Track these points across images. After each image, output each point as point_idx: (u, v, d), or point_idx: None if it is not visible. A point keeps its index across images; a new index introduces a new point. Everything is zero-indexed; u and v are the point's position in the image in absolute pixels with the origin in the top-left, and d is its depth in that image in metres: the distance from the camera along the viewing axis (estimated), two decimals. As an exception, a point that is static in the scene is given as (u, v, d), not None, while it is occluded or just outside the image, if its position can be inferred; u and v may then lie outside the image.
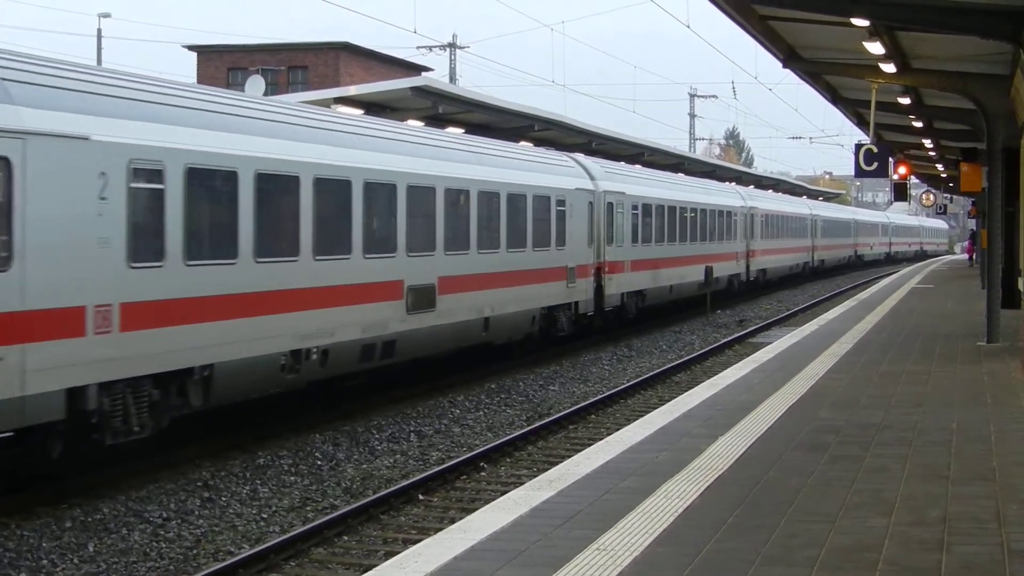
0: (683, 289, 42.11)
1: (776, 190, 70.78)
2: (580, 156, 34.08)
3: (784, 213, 62.62)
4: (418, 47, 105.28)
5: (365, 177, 21.00)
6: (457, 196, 24.45)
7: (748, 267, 53.10)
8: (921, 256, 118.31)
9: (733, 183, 55.83)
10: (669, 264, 39.55)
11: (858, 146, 24.52)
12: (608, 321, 34.05)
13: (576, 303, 30.97)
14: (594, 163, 34.34)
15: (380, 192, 21.63)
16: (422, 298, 22.62)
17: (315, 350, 19.21)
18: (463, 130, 30.35)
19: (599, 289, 32.65)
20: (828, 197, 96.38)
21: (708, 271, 45.43)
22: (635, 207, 35.98)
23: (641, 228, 36.53)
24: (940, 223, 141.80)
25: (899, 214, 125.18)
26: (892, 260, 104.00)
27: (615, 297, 33.92)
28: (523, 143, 34.36)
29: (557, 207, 29.75)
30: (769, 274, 57.68)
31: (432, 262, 23.25)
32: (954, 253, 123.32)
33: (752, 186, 63.49)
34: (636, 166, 41.82)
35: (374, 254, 21.16)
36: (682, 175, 48.10)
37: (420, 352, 23.28)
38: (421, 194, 22.88)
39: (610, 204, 33.58)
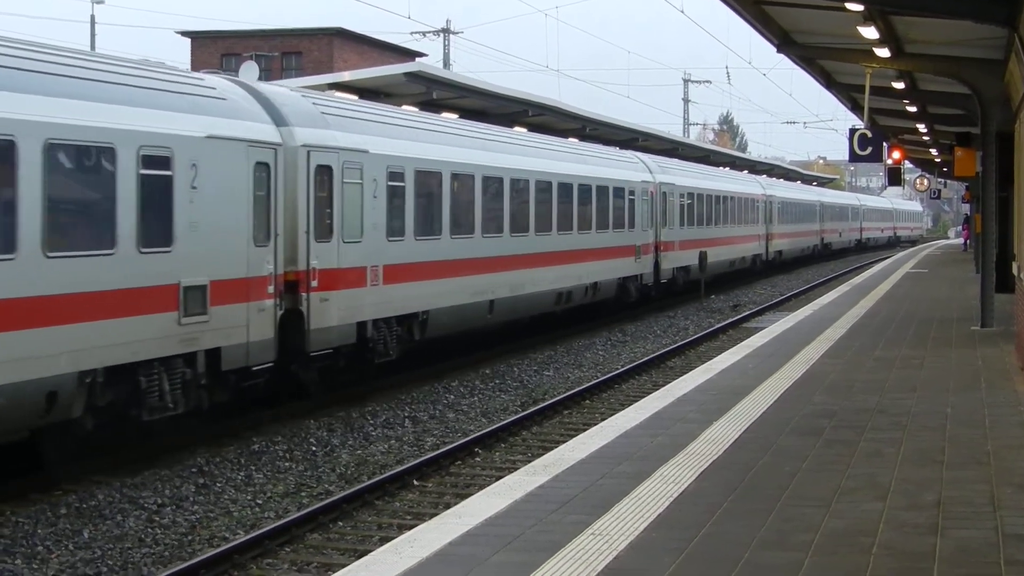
0: (522, 305, 28.33)
1: (771, 175, 70.16)
2: (240, 89, 19.02)
3: (720, 192, 48.41)
4: (412, 32, 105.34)
5: None
6: None
7: (658, 266, 38.74)
8: (895, 243, 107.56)
9: (635, 152, 40.84)
10: (476, 269, 25.57)
11: (852, 131, 24.51)
12: (303, 386, 20.27)
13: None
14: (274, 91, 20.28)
15: None
16: None
17: None
18: (456, 115, 30.06)
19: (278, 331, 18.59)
20: (823, 182, 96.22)
21: (577, 275, 31.63)
22: (396, 175, 22.19)
23: (389, 210, 21.89)
24: (915, 205, 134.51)
25: (871, 196, 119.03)
26: (863, 248, 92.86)
27: (327, 336, 19.74)
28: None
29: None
30: (694, 273, 43.39)
31: None
32: (947, 238, 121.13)
33: (676, 158, 47.97)
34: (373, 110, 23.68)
35: None
36: (519, 129, 32.82)
37: None
38: None
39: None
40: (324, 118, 20.46)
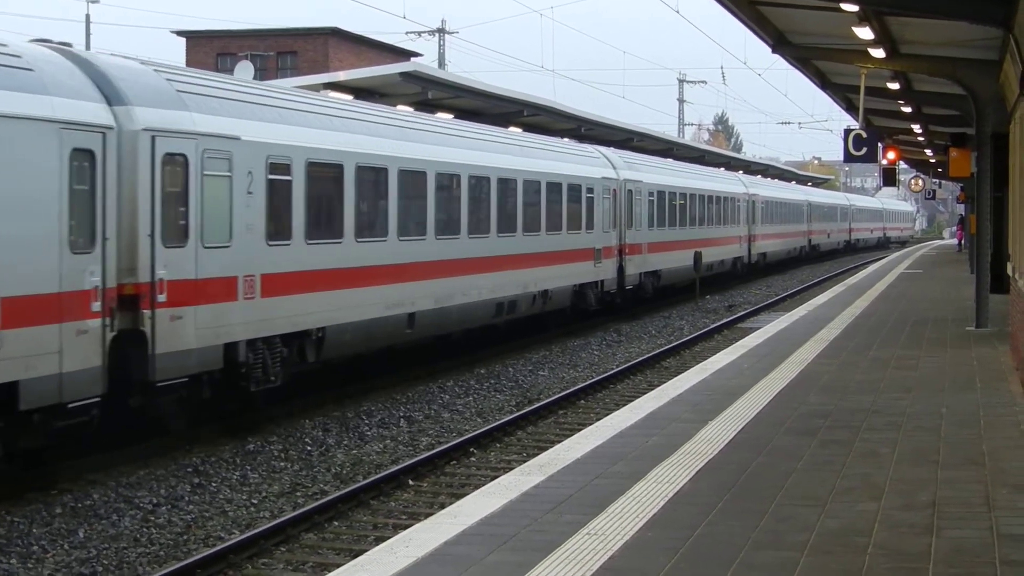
0: (452, 318, 24.66)
1: (765, 175, 70.02)
2: (63, 60, 15.59)
3: (696, 191, 44.58)
4: (407, 32, 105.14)
5: None
6: None
7: (622, 270, 35.00)
8: (885, 244, 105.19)
9: (597, 146, 36.97)
10: (390, 277, 21.89)
11: (847, 131, 24.54)
12: None
13: None
14: None
15: None
16: None
17: None
18: (451, 115, 29.99)
19: None
20: (817, 183, 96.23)
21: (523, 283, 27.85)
22: (280, 166, 18.71)
23: (271, 209, 18.46)
24: (905, 205, 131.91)
25: (859, 195, 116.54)
26: (853, 249, 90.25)
27: (180, 362, 16.45)
28: None
29: None
30: (664, 279, 39.67)
31: None
32: (942, 238, 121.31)
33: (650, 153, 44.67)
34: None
35: None
36: (443, 115, 28.79)
37: None
38: None
39: None
40: (179, 97, 16.79)
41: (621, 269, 34.85)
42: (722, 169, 57.73)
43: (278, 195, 18.58)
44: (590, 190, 32.55)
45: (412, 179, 22.81)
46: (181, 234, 16.41)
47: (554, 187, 30.10)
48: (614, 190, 34.39)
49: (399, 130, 22.98)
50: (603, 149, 36.34)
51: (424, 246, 23.22)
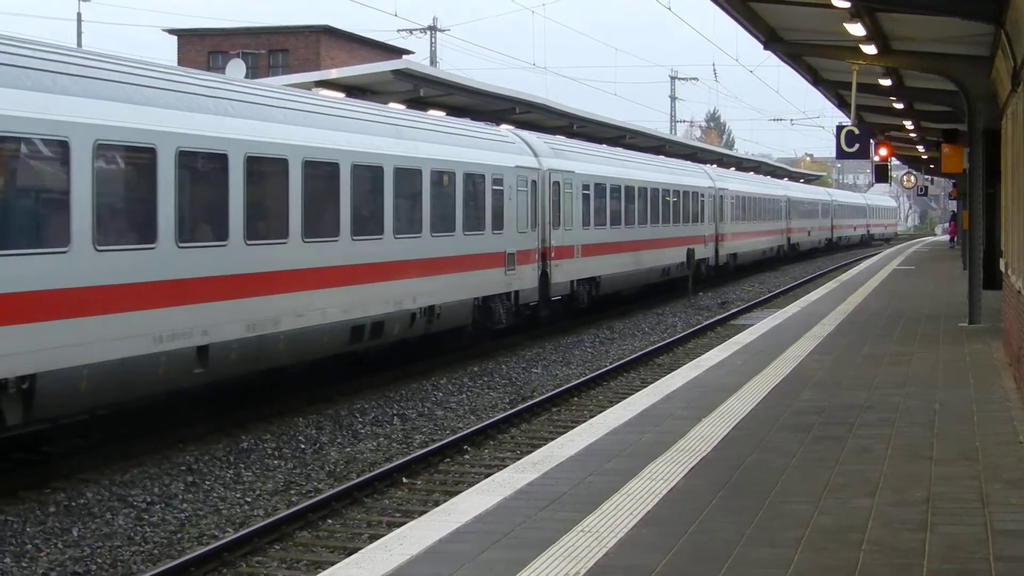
0: (275, 349, 18.49)
1: (757, 172, 69.89)
2: None
3: (645, 183, 38.77)
4: (399, 30, 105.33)
5: None
6: None
7: (546, 278, 29.74)
8: (868, 241, 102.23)
9: (513, 128, 31.23)
10: (165, 298, 15.86)
11: (839, 128, 24.53)
12: None
13: None
14: None
15: None
16: None
17: None
18: (444, 113, 29.90)
19: None
20: (809, 179, 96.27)
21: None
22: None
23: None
24: (889, 201, 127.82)
25: (842, 191, 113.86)
26: (835, 248, 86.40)
27: None
28: None
29: None
30: (605, 287, 34.34)
31: None
32: (934, 235, 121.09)
33: (604, 144, 39.87)
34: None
35: None
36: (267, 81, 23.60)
37: None
38: None
39: None
40: None
41: (545, 276, 29.65)
42: (714, 165, 56.63)
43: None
44: (498, 181, 26.76)
45: (204, 164, 17.12)
46: None
47: (444, 177, 24.23)
48: (533, 181, 28.90)
49: (183, 97, 16.68)
50: (523, 133, 30.74)
51: (226, 254, 17.26)
